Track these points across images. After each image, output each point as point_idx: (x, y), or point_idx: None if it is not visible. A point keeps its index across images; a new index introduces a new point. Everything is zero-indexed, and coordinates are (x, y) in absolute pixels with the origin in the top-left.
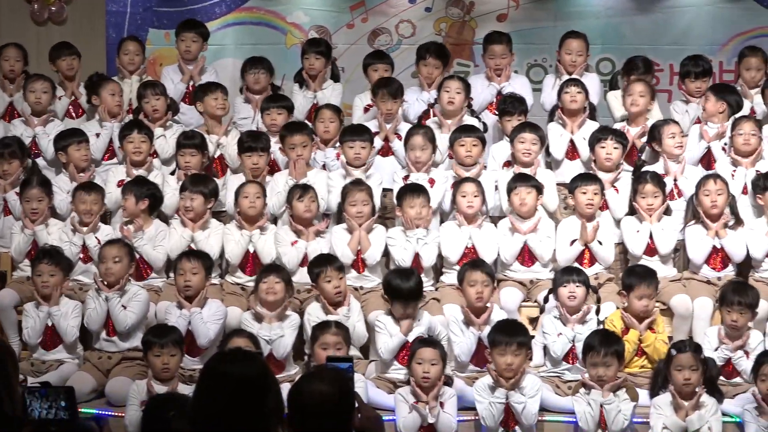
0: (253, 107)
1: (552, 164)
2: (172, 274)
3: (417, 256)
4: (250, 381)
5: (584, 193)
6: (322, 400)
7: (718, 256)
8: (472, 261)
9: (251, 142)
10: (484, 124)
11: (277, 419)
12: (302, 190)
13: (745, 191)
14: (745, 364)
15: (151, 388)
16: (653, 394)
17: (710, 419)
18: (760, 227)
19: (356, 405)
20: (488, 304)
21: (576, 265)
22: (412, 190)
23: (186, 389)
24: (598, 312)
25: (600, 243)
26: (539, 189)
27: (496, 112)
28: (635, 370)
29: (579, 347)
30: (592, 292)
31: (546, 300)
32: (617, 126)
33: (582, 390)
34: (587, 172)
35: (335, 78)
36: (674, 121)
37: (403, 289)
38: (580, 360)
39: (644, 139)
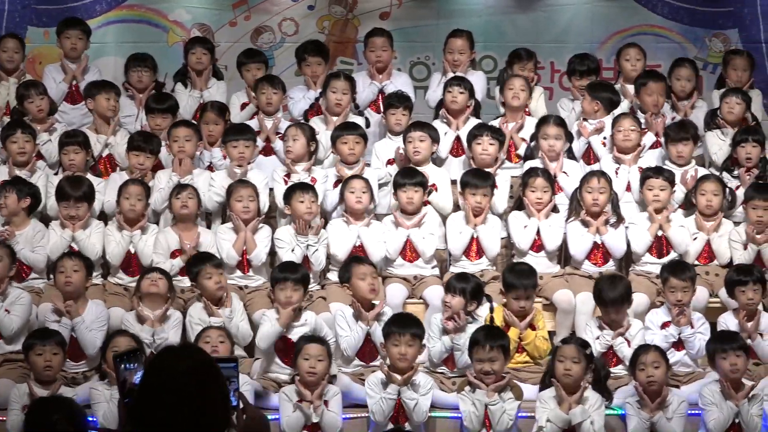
0: (137, 105)
1: (437, 161)
2: (53, 276)
3: (306, 259)
4: (205, 369)
5: (473, 194)
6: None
7: (599, 252)
8: (354, 257)
9: (141, 142)
10: (367, 120)
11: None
12: (180, 188)
13: (628, 188)
14: (627, 351)
15: (32, 391)
16: (542, 388)
17: (593, 414)
18: (643, 222)
19: (241, 405)
20: (376, 301)
21: (463, 259)
22: (301, 187)
23: (69, 392)
24: (491, 322)
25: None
26: (425, 186)
27: (379, 111)
28: (517, 365)
29: (457, 357)
30: (486, 300)
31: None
32: (495, 122)
33: (467, 388)
34: (477, 168)
35: (218, 76)
36: (556, 120)
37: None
38: (460, 367)
39: (522, 134)
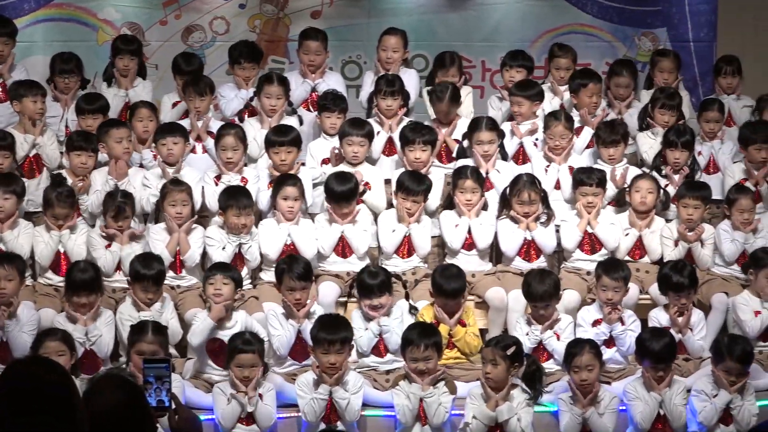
0: (62, 106)
1: (369, 159)
2: None
3: (237, 257)
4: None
5: (404, 199)
6: (114, 408)
7: (530, 248)
8: (288, 261)
9: (82, 142)
10: (300, 118)
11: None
12: (118, 198)
13: (557, 187)
14: (556, 345)
15: None
16: None
17: (520, 411)
18: (573, 219)
19: (173, 406)
20: (308, 300)
21: (394, 257)
22: (237, 197)
23: None
24: (412, 310)
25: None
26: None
27: (312, 109)
28: (448, 361)
29: (387, 339)
30: (402, 286)
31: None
32: (429, 123)
33: (402, 382)
34: (413, 171)
35: (143, 75)
36: (488, 124)
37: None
38: (392, 350)
39: (454, 134)
